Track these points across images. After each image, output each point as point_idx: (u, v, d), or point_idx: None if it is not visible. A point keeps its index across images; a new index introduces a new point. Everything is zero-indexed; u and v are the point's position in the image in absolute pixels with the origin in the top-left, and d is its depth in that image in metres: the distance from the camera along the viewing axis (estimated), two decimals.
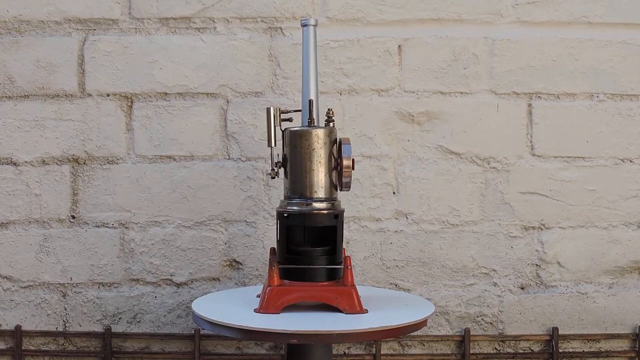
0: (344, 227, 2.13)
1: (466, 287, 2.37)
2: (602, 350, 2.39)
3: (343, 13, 2.33)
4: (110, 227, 2.36)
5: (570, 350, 2.39)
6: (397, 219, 2.36)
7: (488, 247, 2.37)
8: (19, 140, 2.34)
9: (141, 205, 2.35)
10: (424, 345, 2.39)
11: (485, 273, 2.37)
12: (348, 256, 1.83)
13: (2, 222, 2.35)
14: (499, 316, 2.38)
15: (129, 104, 2.34)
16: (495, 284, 2.37)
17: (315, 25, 1.94)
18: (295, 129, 1.86)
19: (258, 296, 1.91)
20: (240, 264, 2.36)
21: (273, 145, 1.87)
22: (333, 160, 1.87)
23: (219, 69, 2.33)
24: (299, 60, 2.00)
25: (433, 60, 2.34)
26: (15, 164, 2.34)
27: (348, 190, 1.88)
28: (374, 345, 2.36)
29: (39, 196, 2.35)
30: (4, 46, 2.33)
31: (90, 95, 2.34)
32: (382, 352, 2.36)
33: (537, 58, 2.34)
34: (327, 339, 1.72)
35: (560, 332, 2.37)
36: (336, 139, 1.88)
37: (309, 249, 1.86)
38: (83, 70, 2.34)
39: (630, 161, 2.37)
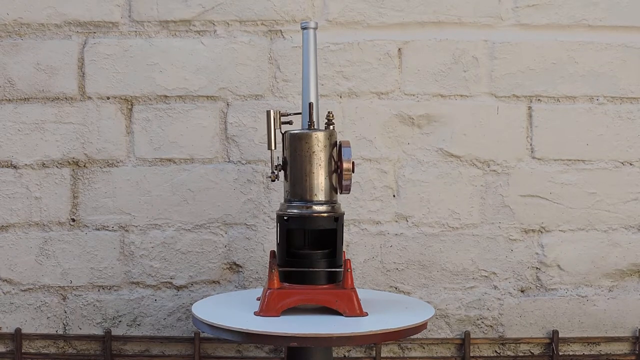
0: (344, 230, 2.13)
1: (466, 290, 2.37)
2: (602, 353, 2.39)
3: (343, 16, 2.34)
4: (110, 230, 2.36)
5: (571, 353, 2.39)
6: (397, 221, 2.36)
7: (488, 250, 2.37)
8: (19, 143, 2.34)
9: (141, 208, 2.35)
10: (424, 348, 2.39)
11: (486, 276, 2.37)
12: (348, 259, 1.83)
13: (2, 225, 2.35)
14: (499, 319, 2.38)
15: (129, 107, 2.34)
16: (495, 287, 2.37)
17: (315, 29, 1.94)
18: (296, 131, 1.87)
19: (258, 299, 1.91)
20: (240, 267, 2.36)
21: (273, 148, 1.87)
22: (333, 163, 1.87)
23: (219, 72, 2.33)
24: (299, 63, 2.00)
25: (433, 63, 2.34)
26: (15, 167, 2.34)
27: (348, 193, 1.88)
28: (374, 348, 2.36)
29: (39, 199, 2.35)
30: (4, 49, 2.33)
31: (90, 98, 2.34)
32: (382, 355, 2.36)
33: (537, 61, 2.34)
34: (327, 342, 1.71)
35: (560, 335, 2.37)
36: (336, 141, 1.88)
37: (309, 252, 1.86)
38: (83, 73, 2.34)
39: (631, 164, 2.37)
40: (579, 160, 2.36)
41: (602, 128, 2.36)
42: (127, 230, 2.36)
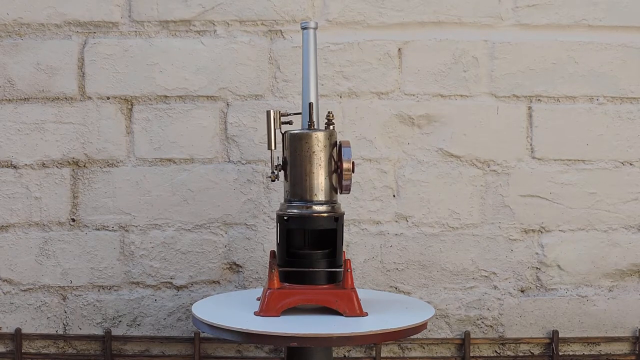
0: (344, 230, 2.13)
1: (466, 290, 2.37)
2: (602, 353, 2.39)
3: (343, 16, 2.34)
4: (110, 230, 2.36)
5: (571, 353, 2.39)
6: (397, 221, 2.36)
7: (488, 250, 2.37)
8: (19, 143, 2.34)
9: (141, 208, 2.35)
10: (424, 348, 2.39)
11: (486, 276, 2.37)
12: (348, 259, 1.83)
13: (2, 225, 2.35)
14: (499, 319, 2.38)
15: (129, 107, 2.34)
16: (495, 287, 2.37)
17: (315, 29, 1.94)
18: (296, 131, 1.87)
19: (258, 299, 1.91)
20: (240, 267, 2.36)
21: (273, 148, 1.87)
22: (333, 163, 1.87)
23: (219, 72, 2.33)
24: (299, 63, 2.00)
25: (433, 63, 2.34)
26: (15, 167, 2.34)
27: (348, 193, 1.88)
28: (374, 348, 2.36)
29: (39, 199, 2.35)
30: (4, 49, 2.33)
31: (90, 98, 2.34)
32: (382, 355, 2.36)
33: (537, 61, 2.34)
34: (327, 342, 1.71)
35: (560, 335, 2.37)
36: (336, 141, 1.88)
37: (309, 252, 1.86)
38: (83, 73, 2.34)
39: (631, 164, 2.37)
40: (579, 160, 2.36)
41: (602, 128, 2.36)
42: (127, 230, 2.36)
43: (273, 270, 1.83)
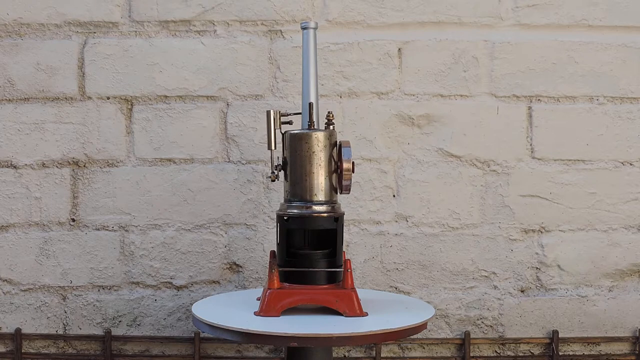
0: (344, 230, 2.13)
1: (466, 290, 2.37)
2: (602, 353, 2.39)
3: (343, 16, 2.34)
4: (110, 230, 2.36)
5: (571, 353, 2.39)
6: (397, 222, 2.36)
7: (488, 250, 2.37)
8: (19, 143, 2.34)
9: (141, 208, 2.35)
10: (424, 348, 2.39)
11: (486, 276, 2.37)
12: (348, 259, 1.83)
13: (2, 225, 2.35)
14: (499, 319, 2.38)
15: (129, 107, 2.34)
16: (495, 287, 2.37)
17: (315, 29, 1.94)
18: (296, 131, 1.87)
19: (258, 299, 1.91)
20: (240, 267, 2.36)
21: (273, 148, 1.87)
22: (333, 163, 1.87)
23: (219, 72, 2.33)
24: (299, 63, 2.00)
25: (433, 63, 2.34)
26: (15, 167, 2.34)
27: (348, 193, 1.88)
28: (374, 348, 2.36)
29: (39, 199, 2.35)
30: (4, 49, 2.33)
31: (90, 98, 2.34)
32: (382, 355, 2.36)
33: (537, 61, 2.34)
34: (327, 342, 1.71)
35: (560, 335, 2.37)
36: (336, 141, 1.88)
37: (309, 252, 1.86)
38: (83, 73, 2.34)
39: (631, 164, 2.37)
40: (579, 160, 2.36)
41: (602, 128, 2.36)
42: (127, 230, 2.36)
43: (273, 270, 1.83)
